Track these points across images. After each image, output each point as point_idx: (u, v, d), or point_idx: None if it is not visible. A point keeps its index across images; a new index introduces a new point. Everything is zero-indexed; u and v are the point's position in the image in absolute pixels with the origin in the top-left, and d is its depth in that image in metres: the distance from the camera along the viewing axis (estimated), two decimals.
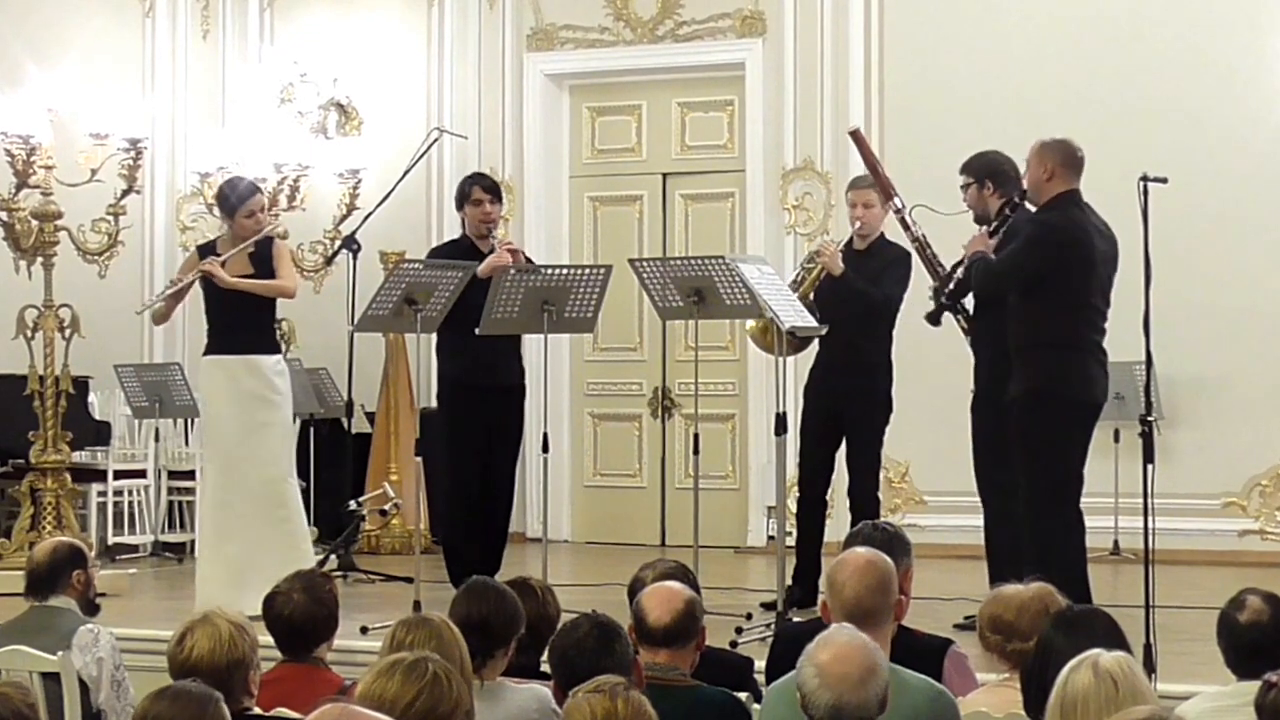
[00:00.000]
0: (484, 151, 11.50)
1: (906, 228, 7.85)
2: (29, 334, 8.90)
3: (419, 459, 7.80)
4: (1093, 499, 7.36)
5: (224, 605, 4.45)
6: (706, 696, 4.35)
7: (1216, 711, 4.21)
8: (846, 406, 8.07)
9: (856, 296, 7.95)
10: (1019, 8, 10.48)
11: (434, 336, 8.45)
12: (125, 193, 8.77)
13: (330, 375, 10.94)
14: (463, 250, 8.46)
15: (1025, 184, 7.38)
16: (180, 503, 11.15)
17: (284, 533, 8.00)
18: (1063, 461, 7.14)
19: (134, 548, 10.79)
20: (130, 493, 10.94)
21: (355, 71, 11.77)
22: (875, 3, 10.70)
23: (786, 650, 4.47)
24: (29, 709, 3.65)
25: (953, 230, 7.88)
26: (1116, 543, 9.64)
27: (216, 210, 8.62)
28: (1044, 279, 7.12)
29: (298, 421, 10.28)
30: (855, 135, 8.24)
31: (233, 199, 8.20)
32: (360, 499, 9.86)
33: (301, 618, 4.71)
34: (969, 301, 7.65)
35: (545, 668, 4.53)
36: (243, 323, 8.08)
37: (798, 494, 8.31)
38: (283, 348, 9.60)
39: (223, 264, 8.06)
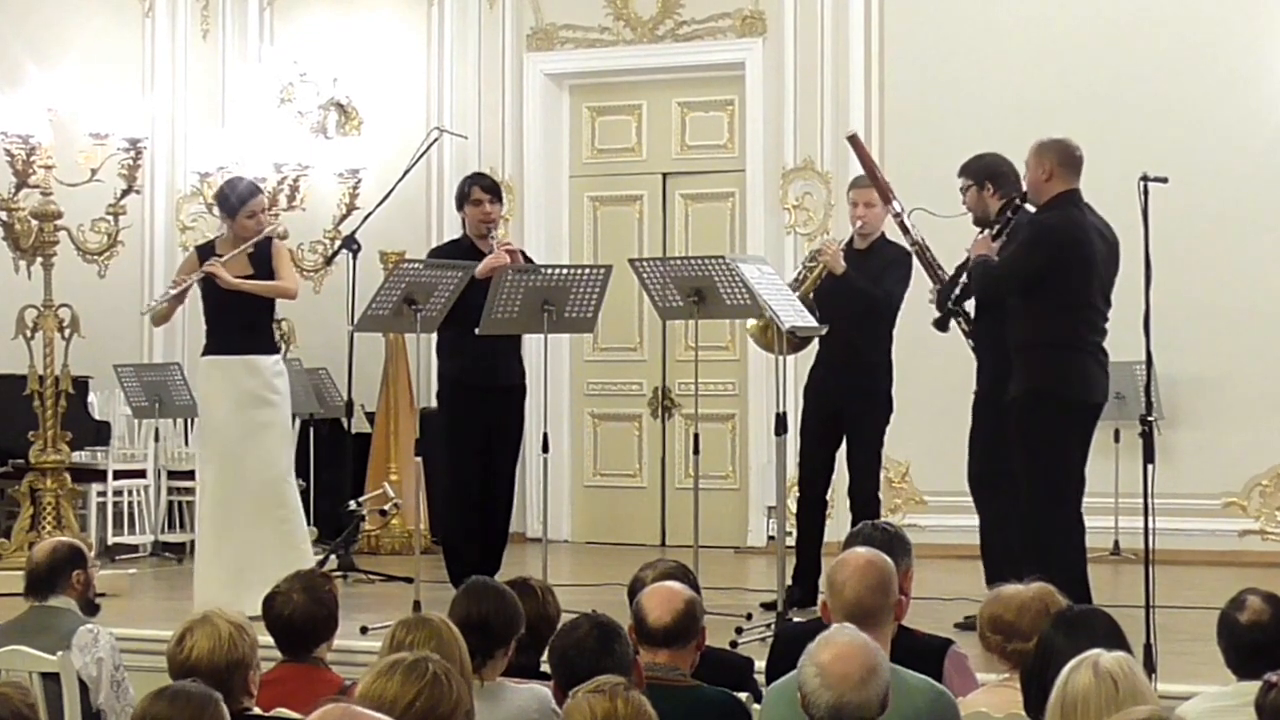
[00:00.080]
0: (484, 151, 11.50)
1: (906, 232, 7.85)
2: (29, 334, 8.90)
3: (419, 459, 7.80)
4: (1093, 499, 7.36)
5: (224, 605, 4.44)
6: (706, 697, 4.35)
7: (1217, 712, 4.21)
8: (847, 406, 8.07)
9: (858, 295, 7.95)
10: (1019, 8, 10.48)
11: (434, 336, 8.45)
12: (125, 192, 8.76)
13: (330, 375, 10.94)
14: (463, 250, 8.45)
15: (1025, 185, 7.38)
16: (180, 503, 11.14)
17: (283, 533, 8.00)
18: (1062, 461, 7.14)
19: (134, 548, 10.79)
20: (130, 493, 10.94)
21: (355, 71, 11.77)
22: (875, 3, 10.70)
23: (787, 650, 4.47)
24: (29, 709, 3.65)
25: (953, 233, 7.88)
26: (1117, 543, 9.64)
27: (216, 210, 8.60)
28: (1043, 279, 7.12)
29: (297, 421, 10.29)
30: (853, 140, 8.23)
31: (233, 200, 8.19)
32: (360, 499, 9.86)
33: (301, 618, 4.71)
34: (970, 305, 7.65)
35: (545, 668, 4.52)
36: (242, 323, 8.07)
37: (798, 494, 8.31)
38: (282, 348, 9.60)
39: (223, 265, 8.05)
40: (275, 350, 8.35)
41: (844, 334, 7.82)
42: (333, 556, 9.23)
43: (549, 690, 4.30)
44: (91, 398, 10.84)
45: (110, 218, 8.89)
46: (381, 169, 10.77)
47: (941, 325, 7.67)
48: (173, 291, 8.14)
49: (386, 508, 10.10)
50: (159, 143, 11.31)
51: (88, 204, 8.92)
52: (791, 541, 7.95)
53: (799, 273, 8.25)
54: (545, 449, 7.89)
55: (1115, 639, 3.85)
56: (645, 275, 7.80)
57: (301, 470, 9.83)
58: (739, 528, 10.92)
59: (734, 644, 6.64)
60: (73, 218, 8.90)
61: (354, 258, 10.23)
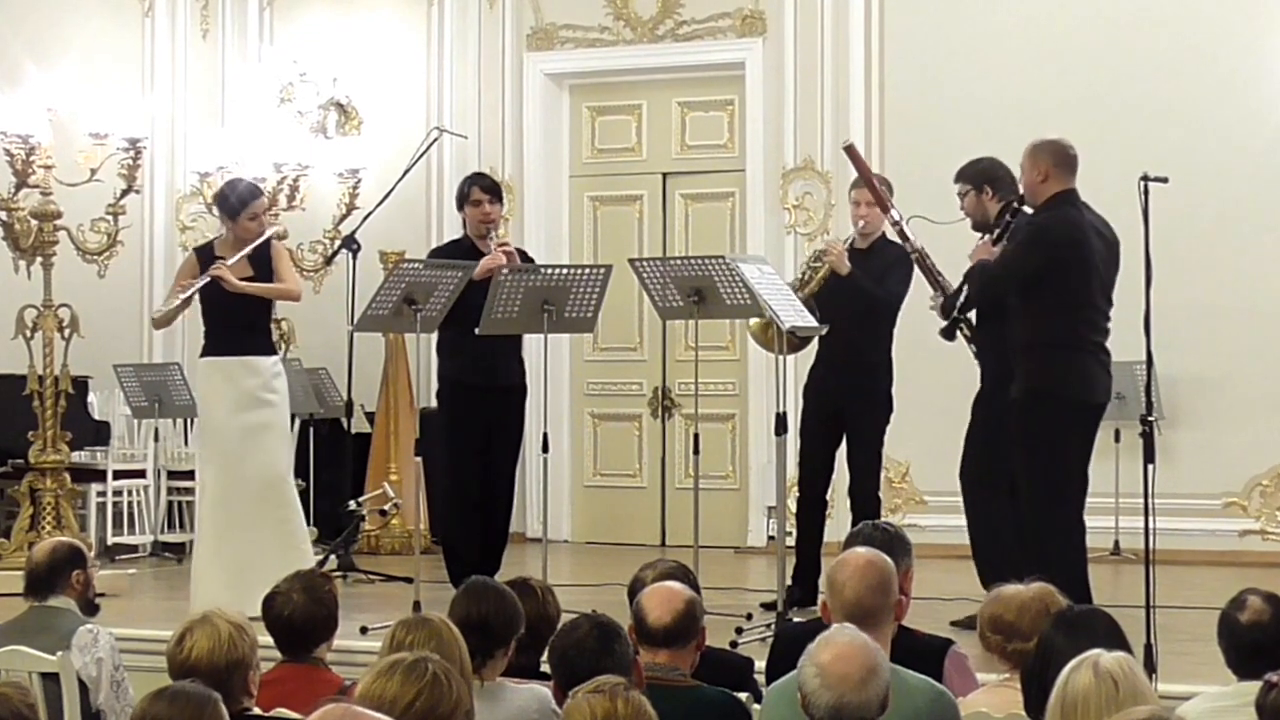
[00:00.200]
0: (484, 151, 11.50)
1: (905, 240, 7.84)
2: (28, 334, 8.90)
3: (419, 459, 7.80)
4: (1093, 499, 7.36)
5: (224, 606, 4.44)
6: (706, 697, 4.35)
7: (1217, 712, 4.21)
8: (847, 405, 8.07)
9: (861, 295, 7.94)
10: (1019, 8, 10.48)
11: (434, 336, 8.45)
12: (125, 192, 8.76)
13: (330, 375, 10.93)
14: (463, 250, 8.45)
15: (1021, 187, 7.38)
16: (179, 503, 11.14)
17: (284, 533, 7.99)
18: (1062, 462, 7.13)
19: (133, 548, 10.78)
20: (129, 493, 10.93)
21: (355, 71, 11.77)
22: (875, 3, 10.70)
23: (787, 650, 4.47)
24: (28, 709, 3.65)
25: (952, 236, 7.88)
26: (1117, 543, 9.65)
27: (216, 212, 8.58)
28: (1041, 279, 7.12)
29: (297, 421, 10.29)
30: (849, 150, 8.21)
31: (234, 201, 8.17)
32: (360, 499, 9.85)
33: (301, 618, 4.71)
34: (972, 314, 7.66)
35: (545, 668, 4.52)
36: (240, 324, 8.06)
37: (798, 494, 8.31)
38: (281, 348, 9.60)
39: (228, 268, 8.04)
40: (274, 351, 8.34)
41: (845, 333, 7.81)
42: (332, 556, 9.23)
43: (549, 690, 4.30)
44: (91, 398, 10.84)
45: (110, 218, 8.89)
46: (381, 169, 10.76)
47: (948, 334, 7.68)
48: (182, 296, 8.07)
49: (386, 508, 10.09)
50: (159, 143, 11.31)
51: (87, 204, 8.92)
52: (791, 541, 7.95)
53: (803, 273, 8.22)
54: (545, 449, 7.88)
55: (1115, 639, 3.85)
56: (645, 275, 7.80)
57: (301, 470, 9.83)
58: (739, 528, 10.92)
59: (734, 644, 6.64)
60: (72, 218, 8.90)
61: (354, 258, 10.23)
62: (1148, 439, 6.39)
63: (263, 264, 8.13)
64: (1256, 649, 4.25)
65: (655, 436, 11.45)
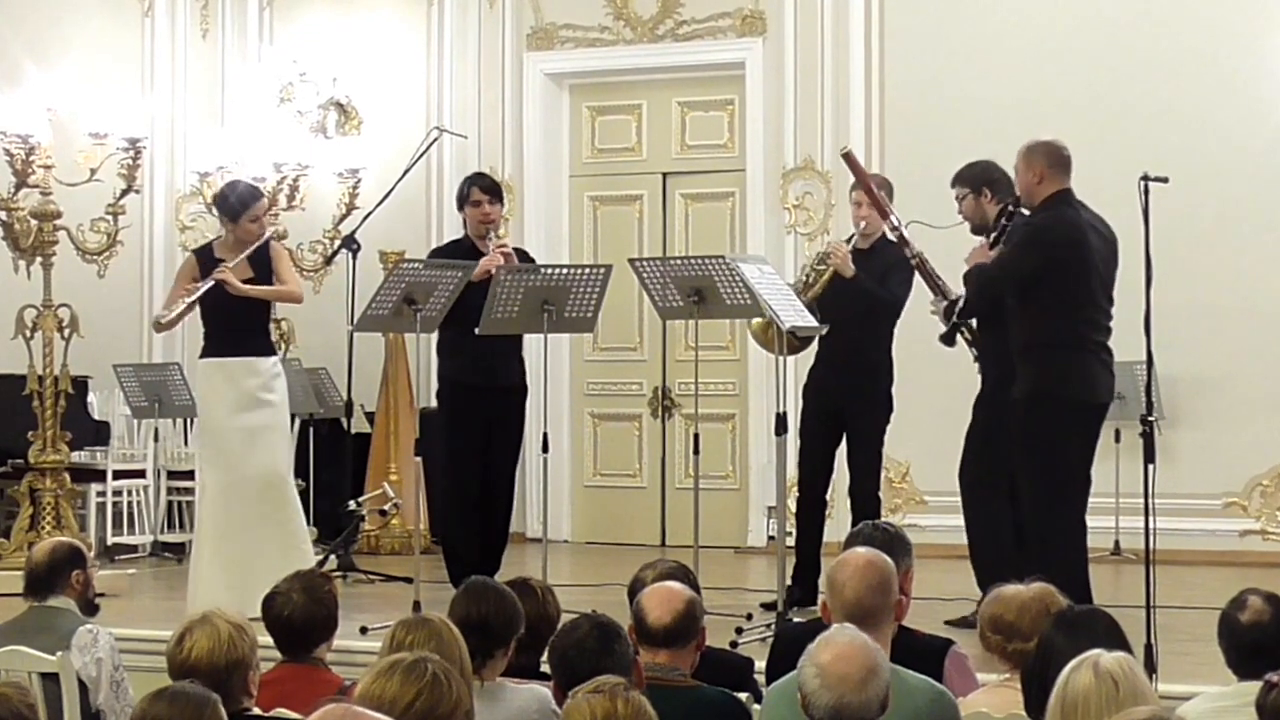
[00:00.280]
0: (484, 151, 11.50)
1: (905, 245, 7.83)
2: (28, 334, 8.90)
3: (419, 459, 7.79)
4: (1093, 499, 7.35)
5: (224, 606, 4.44)
6: (707, 697, 4.34)
7: (1217, 712, 4.20)
8: (847, 405, 8.07)
9: (863, 296, 7.94)
10: (1019, 8, 10.48)
11: (434, 336, 8.44)
12: (124, 192, 8.76)
13: (330, 375, 10.93)
14: (464, 251, 8.45)
15: (1017, 190, 7.39)
16: (179, 503, 11.13)
17: (286, 534, 7.99)
18: (1063, 462, 7.13)
19: (133, 548, 10.78)
20: (129, 493, 10.93)
21: (355, 71, 11.77)
22: (875, 3, 10.70)
23: (787, 650, 4.47)
24: (28, 709, 3.65)
25: (952, 239, 7.88)
26: (1117, 543, 9.64)
27: (216, 214, 8.55)
28: (1040, 280, 7.12)
29: (297, 421, 10.28)
30: (848, 157, 8.19)
31: (235, 203, 8.14)
32: (360, 499, 9.85)
33: (301, 618, 4.71)
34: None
35: (545, 668, 4.52)
36: (240, 325, 8.05)
37: (797, 494, 8.30)
38: (281, 348, 9.59)
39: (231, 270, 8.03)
40: (273, 352, 8.33)
41: (845, 333, 7.81)
42: (332, 556, 9.22)
43: (549, 690, 4.30)
44: (91, 398, 10.84)
45: (110, 217, 8.89)
46: (381, 169, 10.76)
47: (947, 340, 7.68)
48: (187, 301, 8.04)
49: (386, 508, 10.09)
50: (158, 142, 11.30)
51: (87, 204, 8.92)
52: (791, 541, 7.95)
53: (807, 276, 8.19)
54: (545, 449, 7.88)
55: (1116, 639, 3.85)
56: (645, 275, 7.79)
57: (301, 470, 9.83)
58: (739, 528, 10.92)
59: (734, 644, 6.64)
60: (72, 217, 8.90)
61: (354, 257, 10.23)
62: (1148, 439, 6.39)
63: (262, 265, 8.12)
64: (1257, 649, 4.25)
65: (655, 436, 11.45)
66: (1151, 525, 6.12)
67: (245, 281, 8.02)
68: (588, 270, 8.01)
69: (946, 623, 6.99)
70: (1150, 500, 6.18)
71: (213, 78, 12.14)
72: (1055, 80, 10.23)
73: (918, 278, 7.97)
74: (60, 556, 5.46)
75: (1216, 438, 9.99)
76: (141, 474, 11.01)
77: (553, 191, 11.63)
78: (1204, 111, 10.03)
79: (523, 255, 8.74)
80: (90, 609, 5.52)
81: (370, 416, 11.02)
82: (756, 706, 4.43)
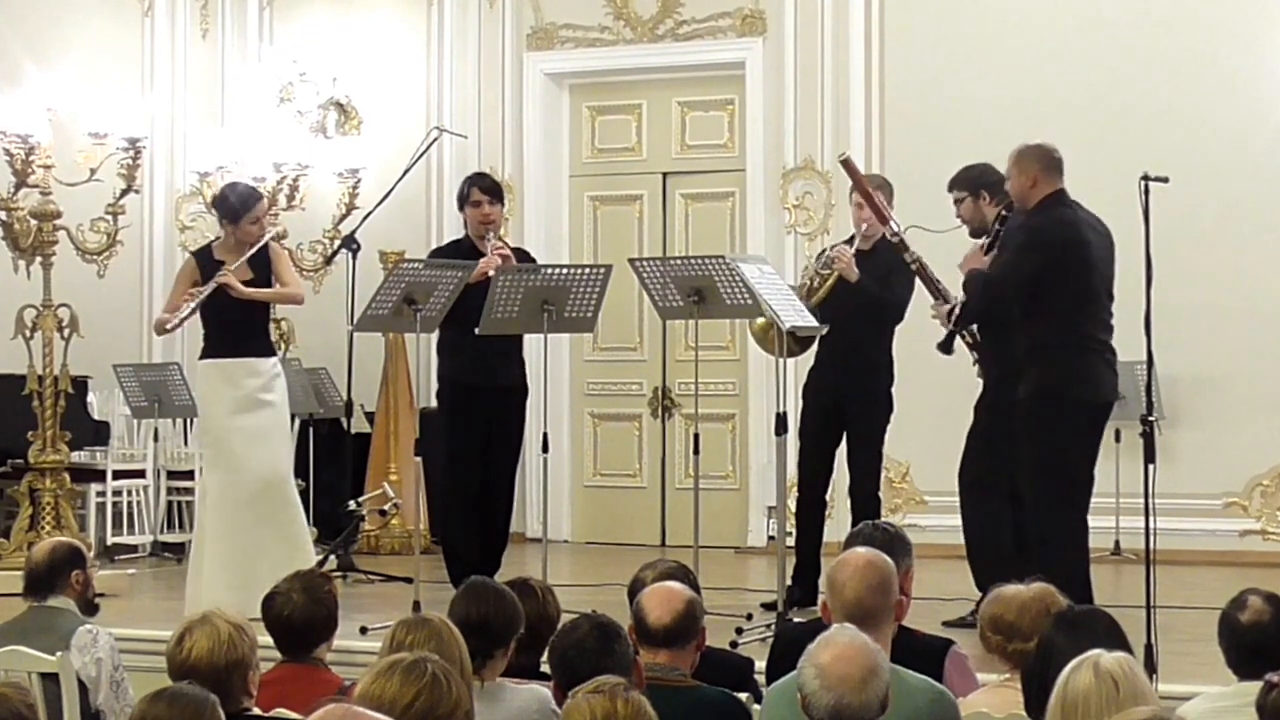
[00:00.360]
0: (484, 151, 11.50)
1: (905, 250, 7.83)
2: (28, 334, 8.89)
3: (419, 459, 7.79)
4: (1094, 499, 7.35)
5: (226, 606, 4.44)
6: (707, 697, 4.34)
7: (1217, 712, 4.20)
8: (847, 405, 8.06)
9: (865, 296, 7.93)
10: (1019, 8, 10.47)
11: (434, 336, 8.44)
12: (124, 192, 8.75)
13: (330, 375, 10.92)
14: (464, 251, 8.44)
15: (1011, 195, 7.40)
16: (179, 503, 11.13)
17: (288, 535, 7.99)
18: (1068, 462, 7.13)
19: (133, 548, 10.78)
20: (129, 493, 10.93)
21: (355, 71, 11.77)
22: (875, 3, 10.70)
23: (787, 651, 4.47)
24: (28, 709, 3.64)
25: (952, 241, 7.88)
26: (1118, 543, 9.64)
27: (216, 215, 8.51)
28: (1041, 282, 7.12)
29: (297, 421, 10.28)
30: (846, 164, 8.19)
31: (237, 205, 8.12)
32: (360, 499, 9.85)
33: (301, 618, 4.70)
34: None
35: (545, 668, 4.52)
36: (240, 326, 8.05)
37: (797, 494, 8.30)
38: (280, 348, 9.57)
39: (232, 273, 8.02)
40: (273, 352, 8.33)
41: (845, 333, 7.81)
42: (332, 557, 9.22)
43: (549, 690, 4.30)
44: (91, 398, 10.84)
45: (109, 217, 8.88)
46: (381, 169, 10.76)
47: (945, 348, 7.67)
48: (190, 306, 8.02)
49: (386, 508, 10.09)
50: (158, 142, 11.30)
51: (87, 204, 8.92)
52: (791, 541, 7.95)
53: (811, 280, 8.17)
54: (545, 449, 7.88)
55: (1116, 639, 3.85)
56: (645, 275, 7.79)
57: (301, 470, 9.82)
58: (739, 528, 10.92)
59: (734, 644, 6.63)
60: (72, 217, 8.89)
61: (354, 257, 10.23)
62: (1148, 439, 6.39)
63: (262, 266, 8.11)
64: (1257, 649, 4.25)
65: (655, 436, 11.45)
66: (1152, 525, 6.12)
67: (245, 283, 8.01)
68: (588, 270, 8.01)
69: (944, 624, 6.98)
70: (1150, 500, 6.17)
71: (212, 78, 12.14)
72: (1055, 80, 10.22)
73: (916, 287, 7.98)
74: (60, 556, 5.46)
75: (1216, 438, 9.99)
76: (141, 474, 11.01)
77: (553, 191, 11.63)
78: (1204, 111, 10.03)
79: (523, 255, 8.74)
80: (90, 609, 5.52)
81: (370, 416, 11.02)
82: (756, 706, 4.42)
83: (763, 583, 8.71)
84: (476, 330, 7.81)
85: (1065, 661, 3.44)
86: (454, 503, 8.53)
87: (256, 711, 4.22)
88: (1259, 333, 9.95)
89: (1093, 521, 7.36)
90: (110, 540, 10.75)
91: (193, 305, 8.02)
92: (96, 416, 10.91)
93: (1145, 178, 6.41)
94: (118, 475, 10.84)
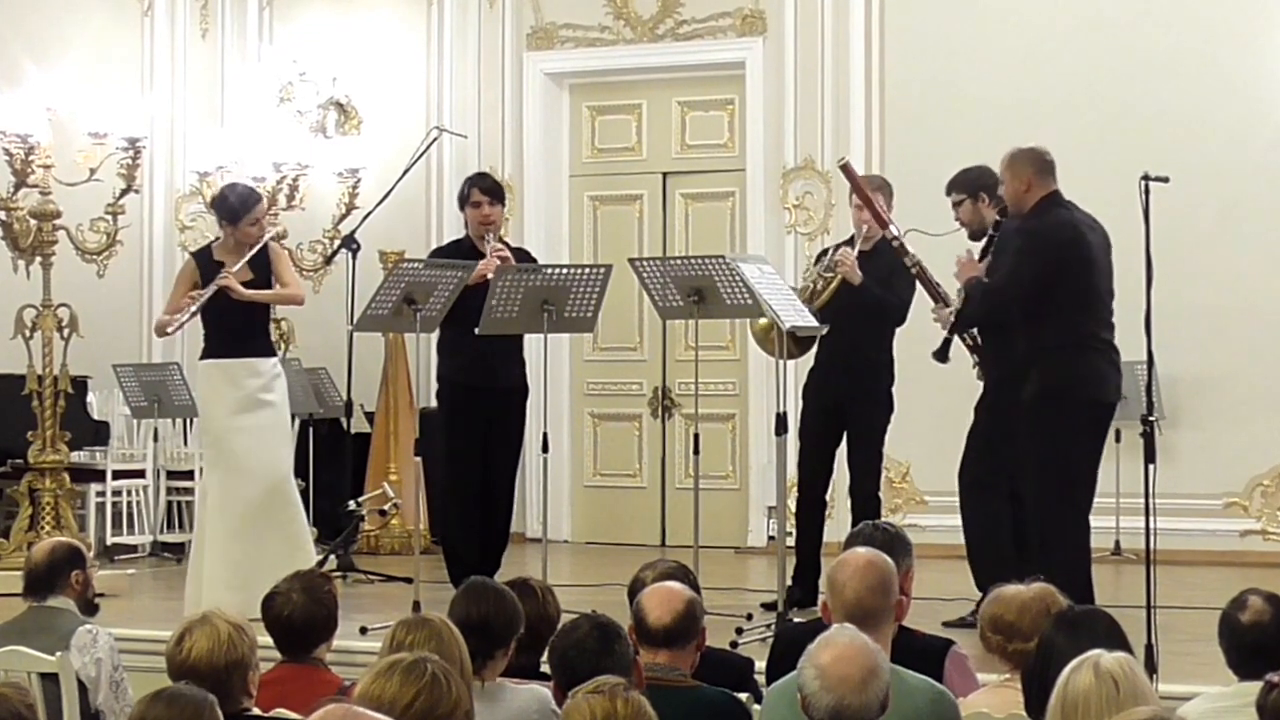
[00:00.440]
0: (484, 151, 11.49)
1: (904, 254, 7.83)
2: (27, 334, 8.89)
3: (419, 459, 7.79)
4: (1095, 499, 7.35)
5: (226, 607, 4.44)
6: (707, 697, 4.34)
7: (1218, 712, 4.20)
8: (847, 405, 8.06)
9: (871, 302, 7.92)
10: (1019, 8, 10.47)
11: (434, 336, 8.44)
12: (124, 192, 8.75)
13: (329, 375, 10.92)
14: (464, 251, 8.44)
15: (1005, 200, 7.40)
16: (179, 503, 11.13)
17: (290, 535, 7.99)
18: (1071, 462, 7.13)
19: (132, 548, 10.78)
20: (129, 493, 10.93)
21: (355, 71, 11.77)
22: (875, 3, 10.70)
23: (787, 651, 4.47)
24: (28, 710, 3.64)
25: (952, 244, 7.88)
26: (1118, 543, 9.64)
27: (215, 216, 8.49)
28: (1043, 284, 7.12)
29: (297, 421, 10.28)
30: (845, 168, 8.19)
31: (237, 206, 8.10)
32: (360, 499, 9.84)
33: (301, 618, 4.70)
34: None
35: (545, 668, 4.52)
36: (240, 326, 8.04)
37: (797, 494, 8.30)
38: (280, 348, 9.57)
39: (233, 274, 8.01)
40: (273, 352, 8.32)
41: (846, 333, 7.80)
42: (332, 557, 9.22)
43: (549, 690, 4.29)
44: (90, 398, 10.84)
45: (109, 217, 8.89)
46: (381, 168, 10.76)
47: (942, 355, 7.66)
48: (192, 309, 7.99)
49: (386, 508, 10.09)
50: (158, 142, 11.30)
51: (87, 203, 8.92)
52: (791, 541, 7.95)
53: (814, 283, 8.15)
54: (545, 449, 7.87)
55: (1116, 639, 3.85)
56: (645, 275, 7.79)
57: (301, 470, 9.81)
58: (739, 528, 10.92)
59: (734, 644, 6.63)
60: (72, 217, 8.89)
61: (353, 257, 10.23)
62: (1148, 439, 6.39)
63: (261, 266, 8.10)
64: (1257, 649, 4.25)
65: (655, 436, 11.45)
66: (1152, 525, 6.12)
67: (245, 284, 8.00)
68: (588, 270, 8.01)
69: (944, 624, 6.98)
70: (1151, 500, 6.17)
71: (212, 77, 12.14)
72: (1055, 80, 10.22)
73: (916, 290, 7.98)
74: (60, 557, 5.46)
75: (1217, 438, 9.99)
76: (141, 474, 11.01)
77: (553, 191, 11.62)
78: (1204, 111, 10.03)
79: (524, 255, 8.74)
80: (90, 609, 5.52)
81: (370, 416, 11.02)
82: (756, 707, 4.42)
83: (763, 583, 8.71)
84: (477, 330, 7.81)
85: (1065, 662, 3.44)
86: (454, 503, 8.53)
87: (256, 711, 4.22)
88: (1259, 333, 9.95)
89: (1093, 522, 7.36)
90: (110, 540, 10.75)
91: (193, 308, 8.01)
92: (96, 416, 10.90)
93: (1145, 178, 6.41)
94: (117, 475, 10.84)
